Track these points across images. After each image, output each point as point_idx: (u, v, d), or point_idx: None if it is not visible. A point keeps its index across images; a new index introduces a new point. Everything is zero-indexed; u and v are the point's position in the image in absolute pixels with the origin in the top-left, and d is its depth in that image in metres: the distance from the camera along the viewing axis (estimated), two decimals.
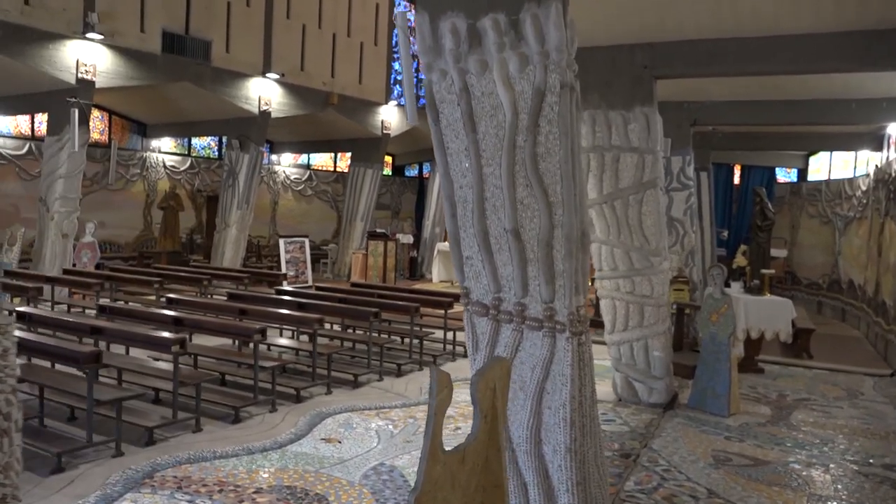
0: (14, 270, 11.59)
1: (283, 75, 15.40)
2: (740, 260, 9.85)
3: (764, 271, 9.69)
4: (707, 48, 7.21)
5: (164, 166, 17.63)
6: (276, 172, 20.21)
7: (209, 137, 18.44)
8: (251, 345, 6.50)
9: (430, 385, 2.43)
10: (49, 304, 10.70)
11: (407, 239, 19.14)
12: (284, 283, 12.21)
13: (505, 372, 2.82)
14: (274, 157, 20.28)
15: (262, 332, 6.35)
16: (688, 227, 10.79)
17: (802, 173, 17.03)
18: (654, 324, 7.42)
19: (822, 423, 7.15)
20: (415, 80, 7.23)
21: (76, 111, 11.85)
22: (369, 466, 5.34)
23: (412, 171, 23.24)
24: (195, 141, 18.49)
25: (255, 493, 4.75)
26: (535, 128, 4.09)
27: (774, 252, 15.96)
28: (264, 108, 15.12)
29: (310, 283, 15.70)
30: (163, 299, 8.64)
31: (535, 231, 4.13)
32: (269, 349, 8.19)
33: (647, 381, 7.46)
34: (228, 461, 5.31)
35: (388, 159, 22.05)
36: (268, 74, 15.16)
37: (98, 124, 16.46)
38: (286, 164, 20.62)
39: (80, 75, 12.03)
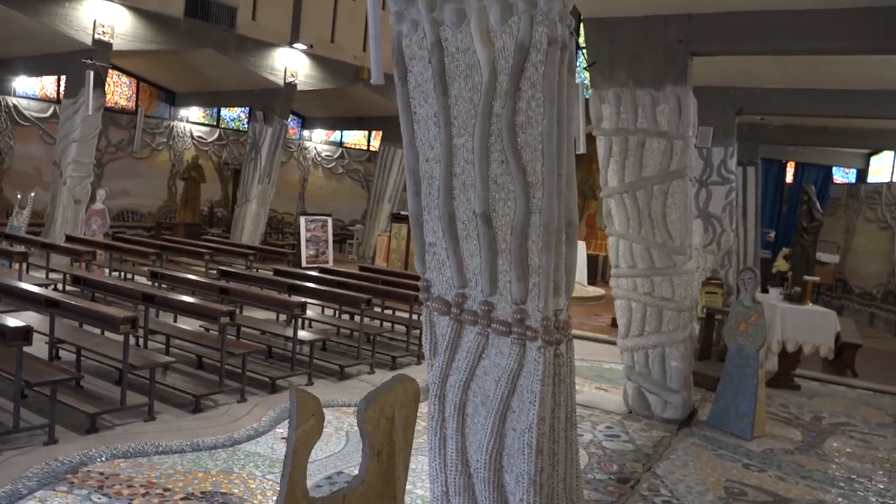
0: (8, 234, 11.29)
1: (311, 46, 14.82)
2: (781, 264, 8.92)
3: (807, 278, 8.74)
4: (752, 21, 6.32)
5: (192, 136, 17.29)
6: (306, 149, 19.73)
7: (239, 109, 18.02)
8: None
9: (290, 412, 1.78)
10: (44, 271, 10.33)
11: None
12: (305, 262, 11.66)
13: (411, 396, 2.16)
14: (306, 133, 19.80)
15: (231, 314, 5.78)
16: (726, 225, 9.86)
17: (862, 174, 15.79)
18: (674, 330, 6.63)
19: (861, 454, 6.28)
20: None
21: (91, 73, 11.47)
22: (324, 475, 4.72)
23: None
24: (225, 112, 18.10)
25: (182, 499, 4.17)
26: (515, 92, 3.37)
27: (825, 257, 14.83)
28: (290, 79, 14.58)
29: (330, 263, 15.19)
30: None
31: (509, 217, 3.42)
32: (237, 334, 7.53)
33: (662, 394, 6.68)
34: (169, 458, 4.76)
35: None
36: (295, 45, 14.60)
37: (125, 90, 16.19)
38: (318, 140, 20.12)
39: (96, 36, 11.64)
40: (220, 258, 11.97)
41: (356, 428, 5.67)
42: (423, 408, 5.53)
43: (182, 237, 14.11)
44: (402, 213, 15.69)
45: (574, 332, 10.55)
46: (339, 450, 5.21)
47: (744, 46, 6.55)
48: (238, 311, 8.27)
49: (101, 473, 4.41)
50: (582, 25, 7.17)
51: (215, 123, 17.96)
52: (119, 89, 16.03)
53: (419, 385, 2.50)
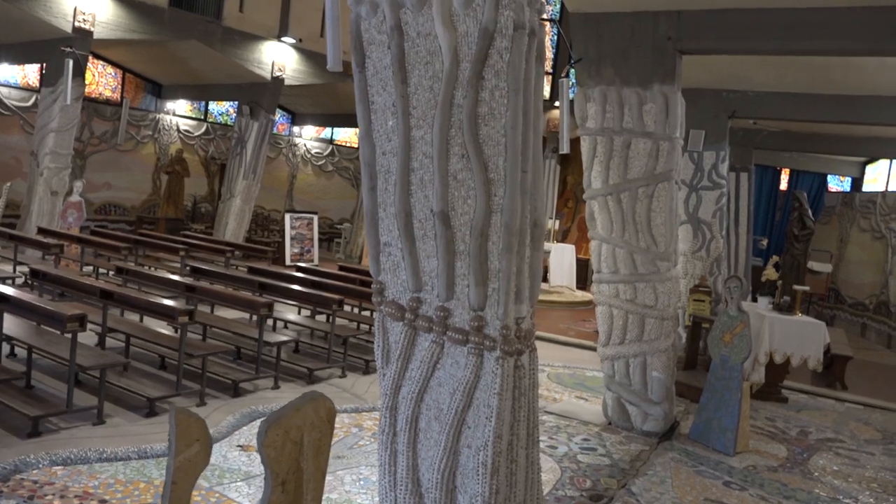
0: None
1: (300, 41, 14.53)
2: (770, 273, 8.65)
3: (797, 287, 8.48)
4: (743, 19, 6.07)
5: (178, 130, 16.97)
6: (296, 145, 19.43)
7: (227, 103, 17.70)
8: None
9: (169, 437, 1.51)
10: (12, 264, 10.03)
11: None
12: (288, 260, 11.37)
13: (324, 416, 1.89)
14: (296, 129, 19.49)
15: (190, 313, 5.50)
16: (716, 231, 9.62)
17: (857, 183, 15.56)
18: (656, 339, 6.36)
19: (847, 472, 6.02)
20: None
21: (70, 62, 11.18)
22: None
23: None
24: (213, 106, 17.78)
25: None
26: (477, 81, 3.11)
27: (818, 266, 14.59)
28: (277, 73, 14.29)
29: (315, 261, 14.92)
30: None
31: (469, 216, 3.16)
32: (203, 334, 7.24)
33: (643, 405, 6.41)
34: (112, 466, 4.47)
35: None
36: (283, 39, 14.31)
37: (110, 81, 15.87)
38: (308, 136, 19.82)
39: (77, 24, 11.34)
40: (199, 255, 11.69)
41: None
42: (365, 422, 5.24)
43: (163, 232, 13.81)
44: None
45: (558, 337, 10.33)
46: None
47: (735, 45, 6.29)
48: (210, 311, 8.04)
49: (35, 482, 4.12)
50: (569, 21, 6.92)
51: (203, 117, 17.64)
52: (104, 80, 15.71)
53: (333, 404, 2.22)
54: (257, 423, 5.54)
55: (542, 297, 14.31)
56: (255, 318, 7.49)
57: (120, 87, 16.03)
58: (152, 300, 5.83)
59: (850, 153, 14.22)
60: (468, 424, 3.20)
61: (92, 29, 11.50)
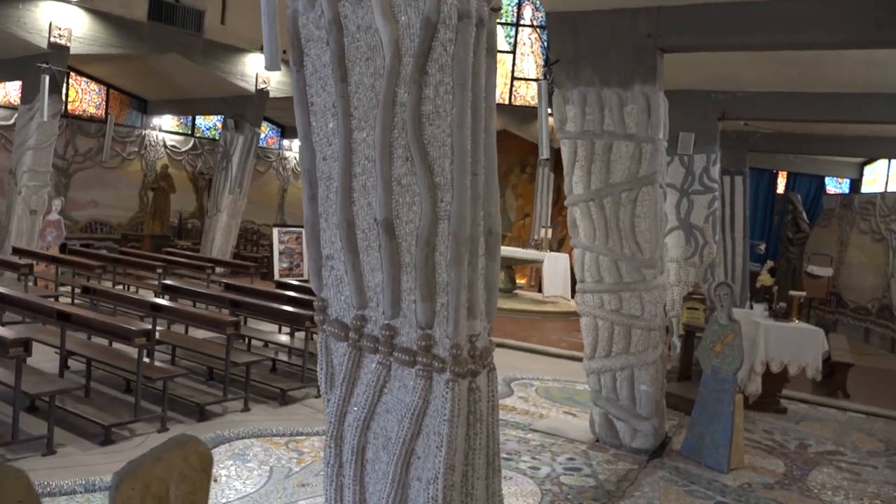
0: None
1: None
2: (765, 278, 8.35)
3: (793, 293, 8.16)
4: (726, 14, 5.80)
5: (165, 145, 16.76)
6: (286, 159, 19.21)
7: (215, 117, 17.49)
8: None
9: None
10: None
11: None
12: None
13: (196, 464, 1.63)
14: (286, 143, 19.28)
15: (148, 334, 5.21)
16: (709, 237, 9.32)
17: (855, 184, 15.27)
18: (643, 351, 6.05)
19: (848, 487, 5.69)
20: None
21: (46, 78, 10.95)
22: None
23: None
24: (200, 121, 17.58)
25: None
26: (420, 76, 2.83)
27: (818, 270, 14.27)
28: (262, 86, 14.07)
29: (305, 276, 14.63)
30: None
31: (415, 224, 2.87)
32: (172, 355, 6.93)
33: (631, 421, 6.09)
34: (54, 501, 4.17)
35: None
36: None
37: (94, 98, 15.67)
38: (298, 150, 19.60)
39: (52, 39, 11.13)
40: (183, 272, 11.42)
41: (283, 460, 5.11)
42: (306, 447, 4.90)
43: (148, 249, 13.54)
44: None
45: (550, 349, 9.98)
46: (255, 489, 4.62)
47: (717, 41, 6.02)
48: (185, 331, 7.74)
49: None
50: (546, 21, 6.67)
51: (190, 132, 17.43)
52: (88, 96, 15.52)
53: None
54: (220, 449, 5.24)
55: (535, 307, 14.01)
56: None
57: (104, 103, 15.82)
58: (108, 321, 5.54)
59: (847, 154, 13.94)
60: (417, 455, 2.91)
61: (68, 44, 11.29)
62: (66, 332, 5.90)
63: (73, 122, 15.06)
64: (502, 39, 18.32)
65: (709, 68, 8.53)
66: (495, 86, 3.08)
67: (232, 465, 4.97)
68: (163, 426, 5.51)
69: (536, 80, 7.03)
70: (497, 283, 3.09)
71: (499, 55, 18.22)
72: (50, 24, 11.07)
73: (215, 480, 4.65)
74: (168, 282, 8.18)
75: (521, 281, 17.59)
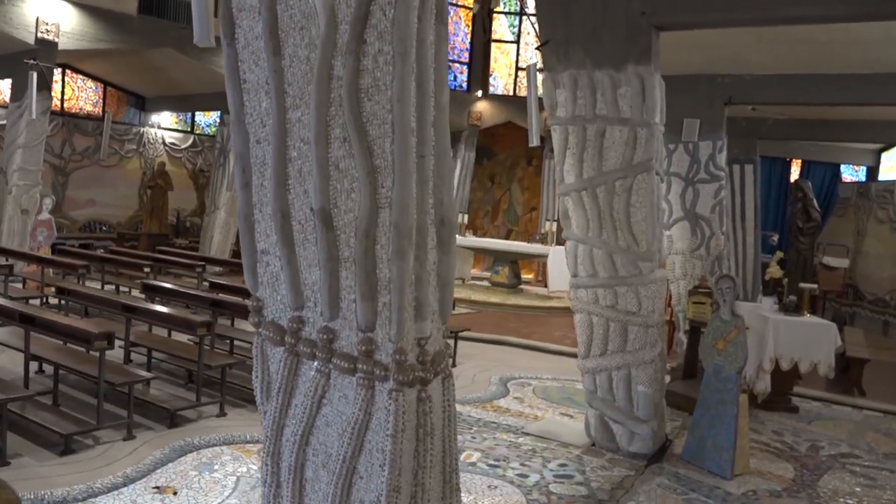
0: None
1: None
2: (774, 270, 7.93)
3: (803, 285, 7.74)
4: None
5: (164, 143, 16.51)
6: None
7: (213, 113, 17.22)
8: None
9: None
10: None
11: None
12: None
13: None
14: None
15: (109, 336, 4.92)
16: (715, 228, 8.91)
17: (872, 172, 14.73)
18: (640, 349, 5.69)
19: (862, 494, 5.30)
20: None
21: (34, 74, 10.70)
22: None
23: None
24: (200, 117, 17.32)
25: None
26: (358, 46, 2.49)
27: (833, 262, 13.79)
28: None
29: None
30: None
31: (354, 214, 2.54)
32: (148, 357, 6.61)
33: (628, 424, 5.73)
34: None
35: None
36: None
37: (91, 95, 15.45)
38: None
39: (39, 35, 10.88)
40: (177, 271, 11.17)
41: (253, 469, 4.80)
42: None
43: (145, 248, 13.31)
44: None
45: (551, 346, 9.60)
46: (218, 501, 4.31)
47: (715, 17, 5.63)
48: (168, 334, 7.45)
49: None
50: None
51: (189, 129, 17.18)
52: (84, 94, 15.29)
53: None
54: (187, 458, 4.94)
55: (540, 303, 13.65)
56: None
57: (101, 101, 15.60)
58: (72, 324, 5.25)
59: (863, 140, 13.40)
60: (360, 474, 2.57)
61: (56, 39, 11.04)
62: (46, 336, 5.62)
63: (70, 121, 14.85)
64: (506, 29, 17.94)
65: (714, 51, 8.12)
66: (447, 57, 2.72)
67: (196, 475, 4.66)
68: (129, 434, 5.22)
69: (525, 69, 6.66)
70: (453, 278, 2.75)
71: (503, 45, 17.85)
72: (37, 20, 10.82)
73: (174, 493, 4.35)
74: (151, 281, 7.89)
75: (528, 276, 17.23)
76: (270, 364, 2.81)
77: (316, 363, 2.66)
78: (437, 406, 2.67)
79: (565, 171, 5.99)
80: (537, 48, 6.18)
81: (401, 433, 2.48)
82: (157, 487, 4.41)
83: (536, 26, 6.31)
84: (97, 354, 4.98)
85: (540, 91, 6.58)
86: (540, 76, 6.56)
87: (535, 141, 6.53)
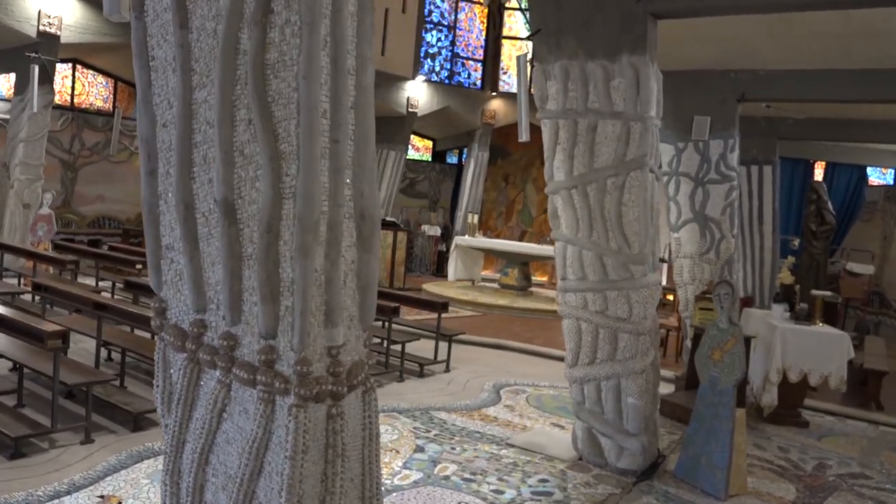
0: None
1: None
2: (785, 276, 7.49)
3: (815, 292, 7.29)
4: None
5: None
6: None
7: None
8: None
9: None
10: None
11: (433, 231, 17.31)
12: None
13: None
14: None
15: (63, 335, 4.68)
16: (726, 230, 8.46)
17: None
18: (630, 358, 5.32)
19: None
20: None
21: (36, 68, 10.60)
22: None
23: (453, 158, 21.31)
24: None
25: None
26: (264, 16, 2.21)
27: (858, 268, 13.24)
28: None
29: None
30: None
31: (258, 205, 2.25)
32: (122, 358, 6.35)
33: (617, 438, 5.37)
34: None
35: (428, 144, 20.20)
36: None
37: (101, 91, 15.39)
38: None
39: (42, 28, 10.78)
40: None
41: None
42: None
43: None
44: (388, 218, 14.58)
45: (553, 352, 9.22)
46: None
47: (714, 3, 5.25)
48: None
49: None
50: None
51: None
52: (94, 90, 15.23)
53: None
54: (142, 465, 4.69)
55: (547, 306, 13.24)
56: None
57: (112, 96, 15.54)
58: (24, 321, 5.02)
59: (891, 141, 12.74)
60: (259, 499, 2.28)
61: (58, 33, 10.93)
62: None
63: (80, 116, 14.79)
64: (522, 26, 17.55)
65: (726, 45, 7.69)
66: (372, 31, 2.42)
67: (147, 484, 4.41)
68: (87, 437, 4.98)
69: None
70: (374, 280, 2.44)
71: (517, 42, 17.48)
72: (39, 12, 10.72)
73: (119, 503, 4.10)
74: (134, 279, 7.68)
75: (542, 279, 16.84)
76: (173, 372, 2.53)
77: (217, 373, 2.38)
78: (354, 423, 2.37)
79: (555, 168, 5.65)
80: (527, 38, 5.84)
81: (300, 454, 2.18)
82: (102, 497, 4.16)
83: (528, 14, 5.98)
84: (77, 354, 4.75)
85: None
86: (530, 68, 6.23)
87: (524, 136, 6.20)
